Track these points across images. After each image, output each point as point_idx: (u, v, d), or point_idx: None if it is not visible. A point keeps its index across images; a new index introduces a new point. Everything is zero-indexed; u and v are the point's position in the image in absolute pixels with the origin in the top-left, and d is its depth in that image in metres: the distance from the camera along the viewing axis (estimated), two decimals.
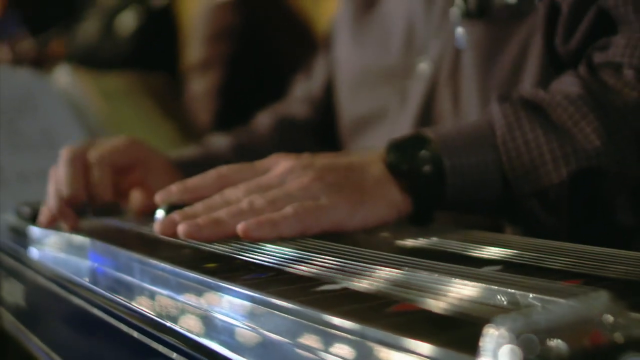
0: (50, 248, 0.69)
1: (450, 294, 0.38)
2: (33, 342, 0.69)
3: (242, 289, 0.41)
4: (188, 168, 0.88)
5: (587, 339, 0.27)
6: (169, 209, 0.61)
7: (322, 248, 0.51)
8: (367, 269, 0.44)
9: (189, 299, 0.45)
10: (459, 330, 0.31)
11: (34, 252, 0.71)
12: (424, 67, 0.86)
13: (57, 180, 0.75)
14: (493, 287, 0.38)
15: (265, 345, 0.38)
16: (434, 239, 0.57)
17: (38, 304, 0.70)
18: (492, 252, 0.52)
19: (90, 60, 2.21)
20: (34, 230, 0.72)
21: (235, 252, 0.52)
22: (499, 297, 0.37)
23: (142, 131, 1.37)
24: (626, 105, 0.63)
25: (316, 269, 0.45)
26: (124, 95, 1.44)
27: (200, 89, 1.82)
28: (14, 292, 0.76)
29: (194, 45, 1.88)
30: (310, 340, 0.35)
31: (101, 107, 1.34)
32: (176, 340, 0.42)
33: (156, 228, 0.58)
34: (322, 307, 0.35)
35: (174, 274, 0.48)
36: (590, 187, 0.63)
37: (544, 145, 0.62)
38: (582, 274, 0.45)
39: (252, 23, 1.83)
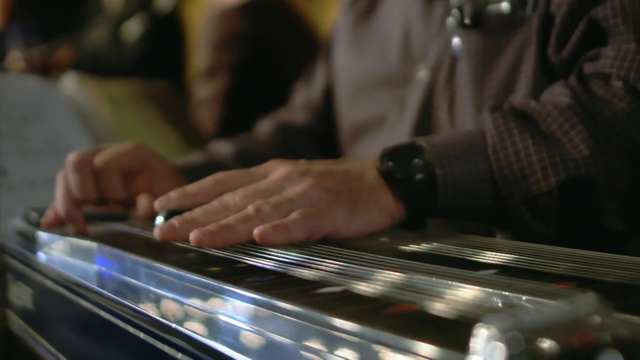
0: (58, 252, 0.71)
1: (447, 296, 0.39)
2: (41, 344, 0.70)
3: (245, 292, 0.42)
4: (192, 174, 0.89)
5: (574, 338, 0.28)
6: (168, 215, 0.62)
7: (322, 252, 0.53)
8: (366, 272, 0.45)
9: (193, 301, 0.47)
10: (453, 330, 0.33)
11: (41, 256, 0.72)
12: (422, 75, 0.87)
13: (66, 184, 0.76)
14: (488, 289, 0.39)
15: (267, 346, 0.39)
16: (433, 244, 0.59)
17: (46, 306, 0.71)
18: (487, 256, 0.54)
19: (97, 67, 2.23)
20: (42, 235, 0.74)
21: (237, 255, 0.54)
22: (494, 299, 0.39)
23: (147, 138, 1.39)
24: (615, 116, 0.64)
25: (317, 272, 0.47)
26: (129, 102, 1.46)
27: (205, 95, 1.84)
28: (22, 296, 0.77)
29: (200, 53, 1.90)
30: (311, 341, 0.36)
31: (107, 114, 1.35)
32: (181, 341, 0.43)
33: (156, 233, 0.59)
34: (322, 309, 0.36)
35: (178, 277, 0.49)
36: (579, 196, 0.64)
37: (534, 155, 0.63)
38: (574, 277, 0.46)
39: (258, 30, 1.85)
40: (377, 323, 0.33)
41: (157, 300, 0.50)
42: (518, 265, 0.50)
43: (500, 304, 0.37)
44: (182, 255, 0.57)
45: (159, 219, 0.63)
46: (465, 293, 0.40)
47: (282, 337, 0.38)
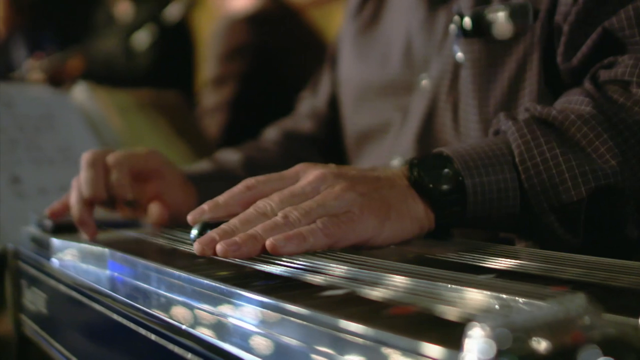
0: (71, 258, 0.73)
1: (446, 298, 0.41)
2: (54, 348, 0.72)
3: (251, 294, 0.44)
4: (200, 182, 0.91)
5: (561, 336, 0.30)
6: (203, 227, 0.61)
7: (330, 257, 0.55)
8: (371, 276, 0.47)
9: (202, 304, 0.48)
10: (448, 329, 0.34)
11: (54, 262, 0.74)
12: (425, 83, 0.89)
13: (79, 184, 0.78)
14: (486, 292, 0.41)
15: (273, 347, 0.41)
16: (441, 250, 0.61)
17: (59, 311, 0.73)
18: (491, 261, 0.55)
19: (108, 76, 2.26)
20: (55, 241, 0.76)
21: (246, 261, 0.55)
22: (491, 301, 0.40)
23: (156, 146, 1.40)
24: (637, 123, 0.66)
25: (322, 276, 0.48)
26: (139, 111, 1.48)
27: (211, 103, 1.87)
28: (36, 300, 0.79)
29: (208, 64, 1.93)
30: (316, 342, 0.38)
31: (117, 124, 1.38)
32: (191, 342, 0.45)
33: (196, 248, 0.57)
34: (325, 310, 0.38)
35: (188, 282, 0.51)
36: (605, 204, 0.66)
37: (563, 164, 0.64)
38: (569, 280, 0.48)
39: (264, 41, 1.88)
40: (377, 323, 0.35)
41: (167, 303, 0.52)
42: (519, 270, 0.52)
43: (496, 306, 0.39)
44: (192, 261, 0.59)
45: (194, 233, 0.61)
46: (464, 295, 0.42)
47: (288, 338, 0.40)
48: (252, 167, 1.01)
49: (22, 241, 0.86)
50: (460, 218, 0.66)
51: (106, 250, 0.65)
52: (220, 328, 0.45)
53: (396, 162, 0.90)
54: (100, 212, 0.82)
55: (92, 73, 2.24)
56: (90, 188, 0.77)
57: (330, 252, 0.57)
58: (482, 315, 0.30)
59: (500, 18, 0.78)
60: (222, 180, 0.91)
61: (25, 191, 1.09)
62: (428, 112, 0.87)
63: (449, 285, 0.43)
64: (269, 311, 0.42)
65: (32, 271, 0.80)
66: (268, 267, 0.53)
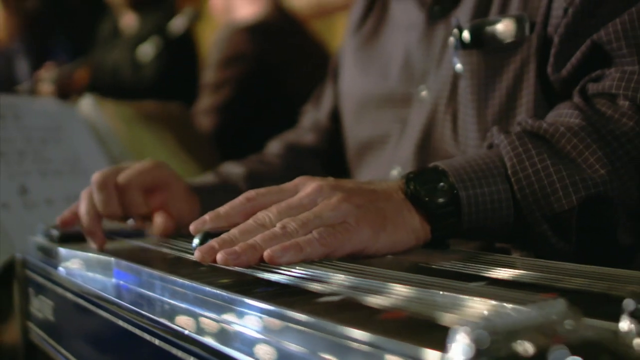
0: (77, 266, 0.75)
1: (437, 304, 0.43)
2: (61, 354, 0.74)
3: (251, 301, 0.46)
4: (204, 194, 0.93)
5: (537, 338, 0.31)
6: (204, 237, 0.63)
7: (327, 266, 0.57)
8: (366, 283, 0.49)
9: (204, 310, 0.50)
10: (435, 333, 0.36)
11: (61, 271, 0.76)
12: (424, 95, 0.91)
13: (90, 200, 0.81)
14: (475, 298, 0.43)
15: (272, 350, 0.43)
16: (434, 259, 0.63)
17: (66, 318, 0.75)
18: (482, 270, 0.57)
19: (114, 88, 2.30)
20: (62, 251, 0.78)
21: (247, 269, 0.58)
22: (479, 306, 0.42)
23: (161, 158, 1.43)
24: (624, 135, 0.68)
25: (319, 284, 0.50)
26: (144, 123, 1.51)
27: (205, 105, 1.92)
28: (43, 308, 0.81)
29: (208, 68, 1.97)
30: (313, 345, 0.40)
31: (123, 135, 1.40)
32: (193, 347, 0.47)
33: (196, 256, 0.60)
34: (321, 315, 0.40)
35: (191, 289, 0.53)
36: (595, 212, 0.68)
37: (554, 175, 0.66)
38: (557, 288, 0.49)
39: (262, 50, 1.92)
40: (369, 327, 0.37)
41: (171, 310, 0.54)
42: (510, 278, 0.54)
43: (485, 311, 0.41)
44: (194, 269, 0.61)
45: (195, 242, 0.64)
46: (454, 302, 0.44)
47: (285, 342, 0.42)
48: (255, 180, 1.02)
49: (30, 250, 0.88)
50: (456, 229, 0.68)
51: (112, 259, 0.67)
52: (221, 333, 0.47)
53: (395, 173, 0.92)
54: (106, 222, 0.84)
55: (99, 84, 2.28)
56: (104, 209, 0.80)
57: (326, 261, 0.59)
58: (465, 319, 0.32)
59: (497, 30, 0.80)
60: (225, 192, 0.94)
61: (33, 202, 1.11)
62: (427, 123, 0.89)
63: (441, 292, 0.45)
64: (267, 317, 0.44)
65: (40, 279, 0.82)
66: (267, 275, 0.55)
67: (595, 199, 0.66)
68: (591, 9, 0.73)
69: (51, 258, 0.80)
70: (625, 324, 0.36)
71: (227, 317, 0.48)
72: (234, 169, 1.07)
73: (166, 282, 0.56)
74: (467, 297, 0.43)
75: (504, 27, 0.80)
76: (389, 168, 0.94)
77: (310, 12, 3.23)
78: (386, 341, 0.35)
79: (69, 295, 0.72)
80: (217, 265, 0.59)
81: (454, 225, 0.67)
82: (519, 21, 0.79)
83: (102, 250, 0.77)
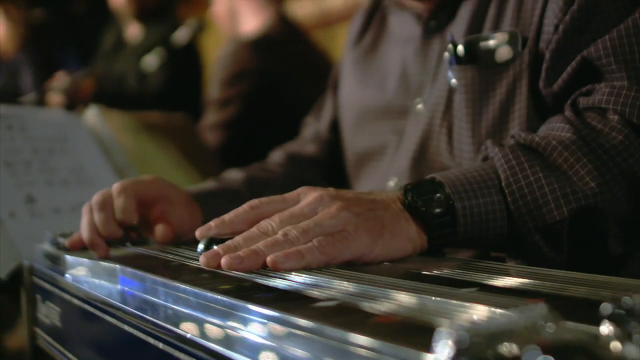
0: (83, 273, 0.77)
1: (429, 309, 0.45)
2: (68, 359, 0.77)
3: (251, 306, 0.48)
4: (206, 200, 0.95)
5: (519, 341, 0.34)
6: (209, 242, 0.66)
7: (327, 273, 0.59)
8: (362, 289, 0.51)
9: (206, 315, 0.53)
10: (424, 335, 0.38)
11: (68, 278, 0.78)
12: (420, 108, 0.93)
13: (91, 217, 0.83)
14: (466, 304, 0.45)
15: (269, 352, 0.45)
16: (430, 266, 0.64)
17: (72, 323, 0.77)
18: (475, 277, 0.59)
19: (119, 98, 2.33)
20: (68, 258, 0.80)
21: (247, 275, 0.60)
22: (469, 311, 0.44)
23: (165, 167, 1.46)
24: (614, 148, 0.70)
25: (317, 289, 0.52)
26: (148, 133, 1.53)
27: (211, 121, 1.94)
28: (50, 314, 0.83)
29: (213, 85, 1.99)
30: (310, 348, 0.42)
31: (128, 145, 1.42)
32: (195, 350, 0.49)
33: (201, 260, 0.63)
34: (316, 319, 0.42)
35: (193, 295, 0.55)
36: (586, 224, 0.70)
37: (546, 187, 0.69)
38: (544, 294, 0.51)
39: (266, 65, 1.94)
40: (362, 331, 0.39)
41: (174, 315, 0.56)
42: (500, 285, 0.56)
43: (474, 315, 0.43)
44: (197, 275, 0.63)
45: (200, 247, 0.67)
46: (444, 306, 0.46)
47: (283, 345, 0.44)
48: (256, 188, 1.04)
49: (37, 258, 0.90)
50: (452, 238, 0.70)
51: (117, 266, 0.69)
52: (222, 336, 0.49)
53: (392, 183, 0.94)
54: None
55: (105, 94, 2.31)
56: (104, 229, 0.82)
57: (325, 268, 0.61)
58: (450, 322, 0.34)
59: (490, 46, 0.83)
60: (226, 199, 0.96)
61: (40, 210, 1.14)
62: (423, 135, 0.91)
63: (433, 298, 0.47)
64: (266, 321, 0.47)
65: (47, 286, 0.84)
66: (266, 280, 0.57)
67: (586, 210, 0.68)
68: (581, 26, 0.76)
69: (58, 265, 0.82)
70: (605, 328, 0.38)
71: (228, 321, 0.50)
72: (235, 176, 1.09)
73: (169, 288, 0.58)
74: (457, 302, 0.45)
75: (496, 43, 0.82)
76: (386, 179, 0.96)
77: (313, 22, 3.26)
78: (375, 343, 0.37)
79: (76, 301, 0.74)
80: (220, 271, 0.61)
81: (450, 234, 0.70)
82: (512, 37, 0.82)
83: (105, 258, 0.80)
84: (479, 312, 0.41)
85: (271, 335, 0.45)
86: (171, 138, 1.56)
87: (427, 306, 0.46)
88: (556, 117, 0.76)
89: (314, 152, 1.18)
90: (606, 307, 0.38)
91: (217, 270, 0.62)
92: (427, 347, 0.35)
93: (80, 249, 0.84)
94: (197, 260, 0.65)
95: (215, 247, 0.64)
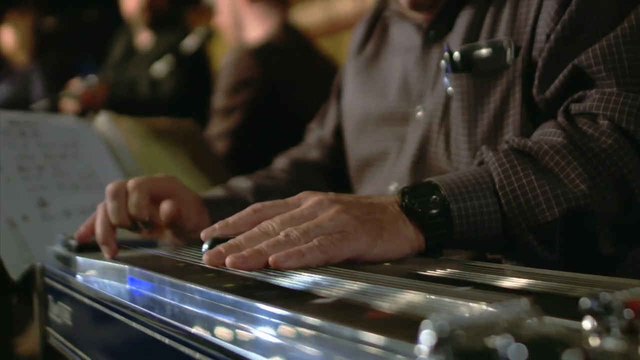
0: (94, 274, 0.80)
1: (423, 304, 0.48)
2: (79, 356, 0.79)
3: (253, 303, 0.50)
4: (213, 206, 0.98)
5: (497, 333, 0.36)
6: (213, 242, 0.70)
7: (327, 271, 0.61)
8: (360, 286, 0.54)
9: (210, 312, 0.55)
10: (411, 327, 0.41)
11: (79, 278, 0.81)
12: (420, 114, 0.96)
13: (105, 212, 0.86)
14: (459, 301, 0.47)
15: (266, 345, 0.47)
16: (428, 267, 0.67)
17: (83, 322, 0.80)
18: (469, 276, 0.61)
19: (130, 104, 2.36)
20: (79, 259, 0.83)
21: (249, 275, 0.62)
22: (462, 308, 0.47)
23: (173, 173, 1.48)
24: (604, 152, 0.73)
25: (315, 286, 0.55)
26: (157, 139, 1.56)
27: (217, 131, 1.96)
28: (61, 314, 0.86)
29: (217, 93, 2.01)
30: (304, 342, 0.44)
31: (137, 151, 1.45)
32: (198, 344, 0.52)
33: (205, 259, 0.66)
34: (313, 314, 0.45)
35: (198, 293, 0.58)
36: (578, 225, 0.72)
37: (538, 189, 0.71)
38: (533, 292, 0.54)
39: (272, 71, 1.95)
40: (356, 324, 0.41)
41: (179, 312, 0.58)
42: (493, 283, 0.58)
43: (464, 310, 0.45)
44: (202, 275, 0.66)
45: (205, 247, 0.70)
46: (437, 302, 0.48)
47: (284, 340, 0.46)
48: (262, 194, 1.07)
49: (49, 259, 0.93)
50: (448, 239, 0.72)
51: (126, 266, 0.72)
52: (225, 331, 0.52)
53: (393, 188, 0.97)
54: (121, 234, 0.89)
55: (116, 100, 2.34)
56: (116, 217, 0.85)
57: (325, 267, 0.63)
58: (434, 315, 0.36)
59: (485, 54, 0.85)
60: (233, 205, 0.98)
61: (52, 214, 1.17)
62: (422, 141, 0.94)
63: (427, 295, 0.50)
64: (266, 317, 0.49)
65: (58, 287, 0.87)
66: (268, 279, 0.60)
67: (577, 211, 0.71)
68: (572, 35, 0.78)
69: (69, 266, 0.85)
70: (588, 322, 0.40)
71: (231, 317, 0.52)
72: (241, 184, 1.11)
73: (175, 287, 0.61)
74: (450, 299, 0.48)
75: (491, 52, 0.85)
76: (387, 183, 0.98)
77: (322, 28, 3.29)
78: (365, 335, 0.40)
79: (86, 300, 0.76)
80: (224, 269, 0.64)
81: (446, 235, 0.72)
82: (506, 46, 0.84)
83: (114, 259, 0.82)
84: (465, 306, 0.43)
85: (272, 330, 0.48)
86: (180, 144, 1.59)
87: (422, 303, 0.48)
88: (549, 123, 0.78)
89: (318, 158, 1.21)
90: (585, 302, 0.40)
91: (221, 270, 0.65)
92: (412, 338, 0.37)
93: (89, 238, 0.87)
94: (202, 260, 0.68)
95: (218, 247, 0.67)
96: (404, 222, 0.71)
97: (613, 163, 0.73)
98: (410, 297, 0.50)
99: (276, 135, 1.88)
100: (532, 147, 0.74)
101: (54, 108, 2.24)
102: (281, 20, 2.09)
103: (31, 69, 3.34)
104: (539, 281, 0.58)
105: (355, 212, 0.68)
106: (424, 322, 0.35)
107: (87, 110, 2.15)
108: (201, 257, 0.70)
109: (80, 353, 0.79)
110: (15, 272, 1.06)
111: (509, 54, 0.84)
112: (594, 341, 0.38)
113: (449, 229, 0.72)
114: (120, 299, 0.67)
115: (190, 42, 2.48)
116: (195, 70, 2.56)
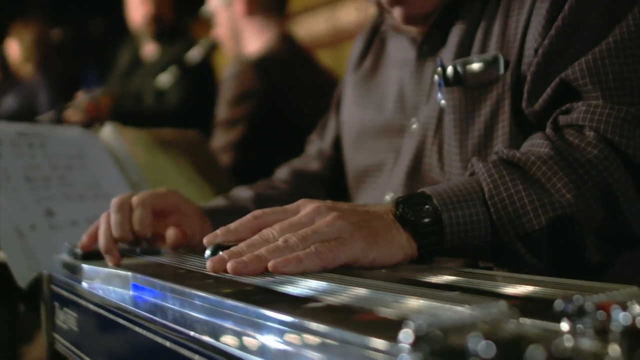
0: (99, 281, 0.82)
1: (411, 307, 0.50)
2: None
3: (249, 307, 0.53)
4: (215, 215, 1.01)
5: (473, 331, 0.38)
6: (215, 249, 0.73)
7: (319, 276, 0.64)
8: (355, 292, 0.56)
9: (210, 316, 0.57)
10: (395, 328, 0.43)
11: (84, 285, 0.84)
12: (415, 127, 0.99)
13: (108, 223, 0.88)
14: (446, 305, 0.50)
15: (262, 348, 0.50)
16: (420, 273, 0.69)
17: (89, 328, 0.83)
18: (459, 282, 0.64)
19: (136, 114, 2.39)
20: (85, 267, 0.85)
21: (245, 279, 0.65)
22: (448, 311, 0.49)
23: (178, 183, 1.51)
24: (589, 162, 0.75)
25: (307, 290, 0.57)
26: (162, 150, 1.59)
27: (220, 143, 1.98)
28: (68, 320, 0.89)
29: (219, 106, 2.03)
30: (296, 344, 0.47)
31: (142, 162, 1.48)
32: (197, 346, 0.54)
33: (208, 265, 0.69)
34: (306, 317, 0.47)
35: (199, 299, 0.60)
36: (564, 233, 0.75)
37: (525, 198, 0.74)
38: (518, 295, 0.56)
39: (273, 83, 1.98)
40: (343, 325, 0.44)
41: (180, 316, 0.61)
42: (479, 288, 0.61)
43: (445, 312, 0.48)
44: (202, 281, 0.68)
45: (207, 253, 0.73)
46: (424, 305, 0.50)
47: (278, 341, 0.49)
48: (263, 203, 1.09)
49: (55, 267, 0.96)
50: (440, 247, 0.75)
51: (129, 273, 0.74)
52: (223, 335, 0.54)
53: (389, 198, 1.00)
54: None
55: (121, 111, 2.37)
56: (118, 231, 0.88)
57: (321, 272, 0.66)
58: (415, 316, 0.38)
59: (476, 69, 0.88)
60: (234, 214, 1.01)
61: (58, 223, 1.19)
62: (417, 152, 0.97)
63: (418, 299, 0.52)
64: (263, 321, 0.51)
65: (64, 294, 0.90)
66: (266, 285, 0.62)
67: (563, 220, 0.73)
68: (559, 50, 0.81)
69: (75, 274, 0.88)
70: (566, 324, 0.42)
71: (229, 321, 0.55)
72: (243, 193, 1.14)
73: (177, 293, 0.63)
74: (437, 302, 0.50)
75: (481, 66, 0.88)
76: (384, 193, 1.01)
77: (325, 39, 3.32)
78: (348, 334, 0.42)
79: (92, 307, 0.79)
80: (223, 275, 0.66)
81: (438, 242, 0.75)
82: (495, 60, 0.87)
83: (118, 266, 0.85)
84: (448, 309, 0.45)
85: (271, 334, 0.50)
86: (184, 154, 1.62)
87: (408, 305, 0.51)
88: (537, 134, 0.81)
89: (318, 168, 1.23)
90: (559, 304, 0.42)
91: (221, 276, 0.68)
92: (394, 337, 0.40)
93: (92, 247, 0.89)
94: (204, 267, 0.71)
95: (221, 253, 0.70)
96: (398, 230, 0.73)
97: (598, 173, 0.75)
98: (400, 301, 0.52)
99: (278, 147, 1.90)
100: (520, 158, 0.77)
101: (58, 120, 2.27)
102: (280, 32, 2.11)
103: (37, 81, 3.38)
104: (526, 286, 0.60)
105: (352, 218, 0.71)
106: (404, 322, 0.38)
107: (92, 121, 2.18)
108: (203, 264, 0.72)
109: (86, 358, 0.82)
110: (23, 281, 1.09)
111: (499, 68, 0.86)
112: (569, 341, 0.40)
113: (440, 237, 0.74)
114: (124, 305, 0.70)
115: (194, 54, 2.51)
116: (200, 81, 2.59)
